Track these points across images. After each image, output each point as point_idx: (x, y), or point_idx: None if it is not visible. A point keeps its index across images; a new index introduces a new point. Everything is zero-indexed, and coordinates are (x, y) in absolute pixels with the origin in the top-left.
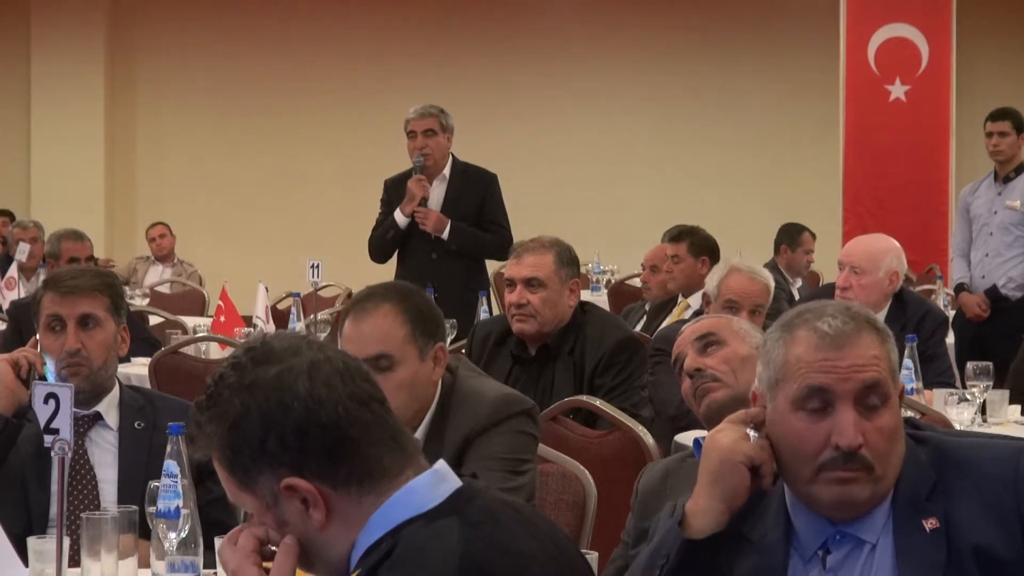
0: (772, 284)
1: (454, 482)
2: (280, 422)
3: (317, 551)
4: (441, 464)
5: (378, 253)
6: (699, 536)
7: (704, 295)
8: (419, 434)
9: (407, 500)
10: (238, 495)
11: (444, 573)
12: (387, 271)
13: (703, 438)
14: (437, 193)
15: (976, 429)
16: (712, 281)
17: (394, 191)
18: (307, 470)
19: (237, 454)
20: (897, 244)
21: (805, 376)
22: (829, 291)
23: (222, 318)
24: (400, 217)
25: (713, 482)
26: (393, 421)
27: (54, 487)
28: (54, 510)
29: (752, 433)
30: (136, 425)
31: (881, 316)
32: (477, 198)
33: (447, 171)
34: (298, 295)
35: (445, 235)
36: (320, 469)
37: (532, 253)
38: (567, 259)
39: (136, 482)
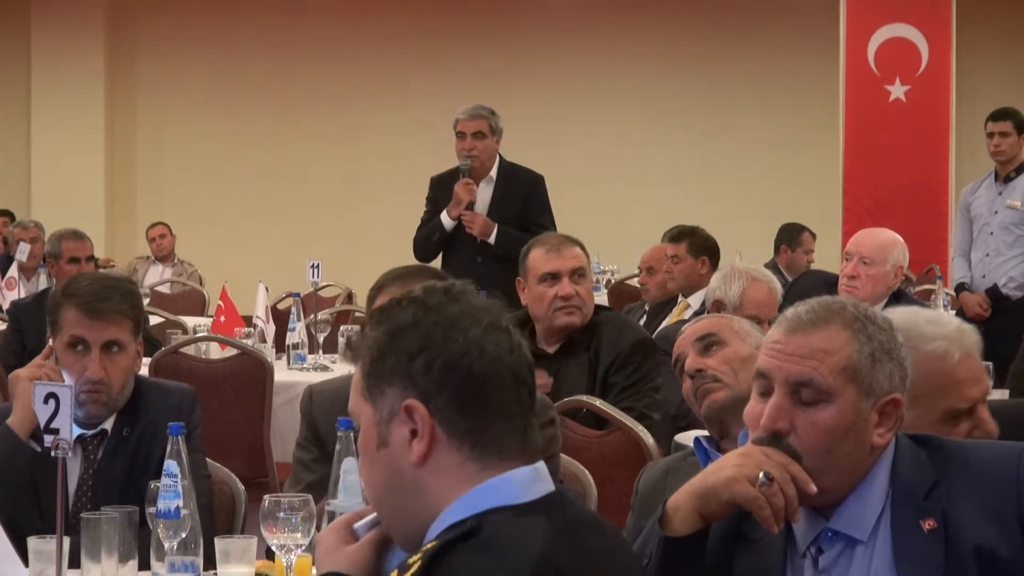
0: (781, 290)
1: (549, 485)
2: (437, 348)
3: (399, 498)
4: (541, 464)
5: (423, 254)
6: (677, 535)
7: (715, 302)
8: None
9: (502, 488)
10: (359, 403)
11: (520, 568)
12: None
13: (704, 438)
14: (484, 194)
15: None
16: (731, 291)
17: (440, 189)
18: (433, 404)
19: (382, 358)
20: (902, 240)
21: (759, 358)
22: (822, 280)
23: (222, 318)
24: (446, 220)
25: (699, 495)
26: (530, 415)
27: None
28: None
29: (761, 476)
30: (124, 432)
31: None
32: (522, 199)
33: (494, 172)
34: (298, 295)
35: (492, 239)
36: (446, 409)
37: (567, 246)
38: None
39: (109, 489)
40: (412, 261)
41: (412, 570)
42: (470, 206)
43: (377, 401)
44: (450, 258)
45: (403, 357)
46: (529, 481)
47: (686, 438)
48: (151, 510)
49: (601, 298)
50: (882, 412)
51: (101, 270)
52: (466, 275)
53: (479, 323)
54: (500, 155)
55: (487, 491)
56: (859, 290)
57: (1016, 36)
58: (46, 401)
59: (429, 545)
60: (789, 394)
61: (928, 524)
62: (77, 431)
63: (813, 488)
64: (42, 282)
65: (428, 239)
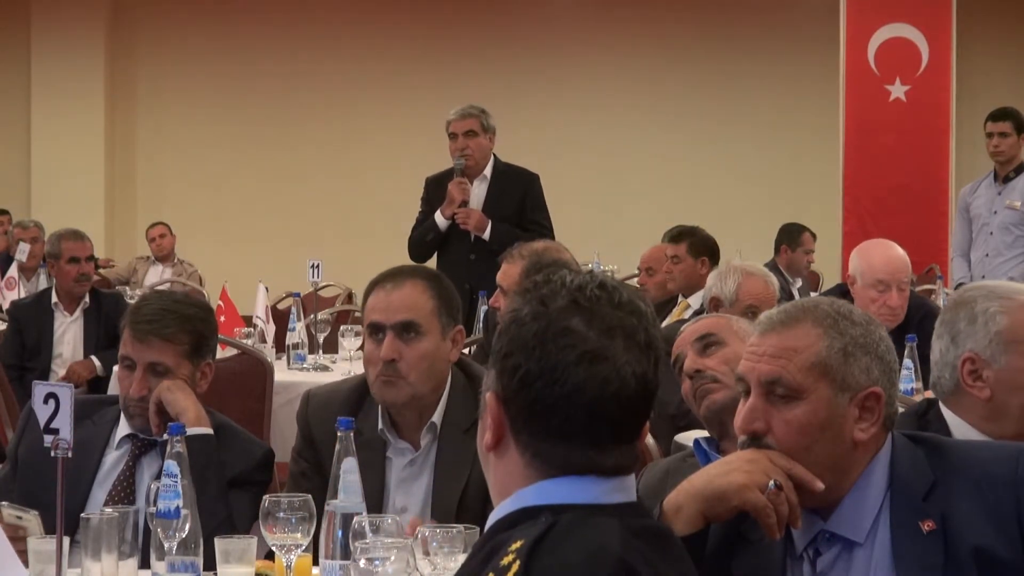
0: (777, 285)
1: (630, 496)
2: (523, 358)
3: (485, 462)
4: (627, 478)
5: (417, 254)
6: (678, 535)
7: (713, 299)
8: (436, 417)
9: (579, 487)
10: None
11: (600, 569)
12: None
13: (703, 439)
14: (478, 192)
15: None
16: (727, 286)
17: (434, 190)
18: (506, 407)
19: (496, 338)
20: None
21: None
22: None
23: (222, 318)
24: (440, 219)
25: (706, 498)
26: (613, 441)
27: (93, 488)
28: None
29: (771, 484)
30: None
31: None
32: (518, 198)
33: (488, 171)
34: (298, 295)
35: (486, 235)
36: (516, 418)
37: (505, 262)
38: (533, 270)
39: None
40: (411, 261)
41: (514, 570)
42: (463, 205)
43: (487, 376)
44: (444, 256)
45: (501, 349)
46: (607, 489)
47: (686, 438)
48: (151, 510)
49: None
50: (862, 407)
51: (100, 270)
52: (460, 273)
53: (573, 348)
54: (495, 155)
55: (563, 485)
56: (901, 316)
57: (1016, 36)
58: (46, 401)
59: (517, 544)
60: (763, 395)
61: (927, 525)
62: (129, 430)
63: (820, 485)
64: (42, 282)
65: (422, 239)
